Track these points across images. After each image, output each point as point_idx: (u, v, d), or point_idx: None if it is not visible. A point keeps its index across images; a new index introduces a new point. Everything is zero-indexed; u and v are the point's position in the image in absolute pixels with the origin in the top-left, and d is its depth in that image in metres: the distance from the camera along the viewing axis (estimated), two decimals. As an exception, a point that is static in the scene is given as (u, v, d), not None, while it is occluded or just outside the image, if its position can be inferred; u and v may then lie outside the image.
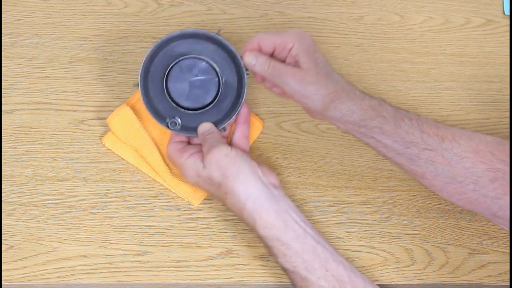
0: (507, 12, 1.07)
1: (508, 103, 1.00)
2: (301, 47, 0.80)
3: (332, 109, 0.81)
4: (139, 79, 0.83)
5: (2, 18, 0.93)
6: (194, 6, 0.99)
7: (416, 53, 1.02)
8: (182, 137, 0.86)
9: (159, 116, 0.84)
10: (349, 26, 1.02)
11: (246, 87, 0.85)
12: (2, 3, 0.94)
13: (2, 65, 0.91)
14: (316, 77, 0.80)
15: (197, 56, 0.84)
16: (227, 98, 0.86)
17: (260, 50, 0.83)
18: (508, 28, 1.06)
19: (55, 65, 0.92)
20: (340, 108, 0.81)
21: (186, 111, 0.85)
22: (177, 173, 0.87)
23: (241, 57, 0.83)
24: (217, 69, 0.85)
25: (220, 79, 0.85)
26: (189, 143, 0.87)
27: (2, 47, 0.92)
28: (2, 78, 0.90)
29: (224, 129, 0.86)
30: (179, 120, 0.85)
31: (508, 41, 1.05)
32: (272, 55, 0.83)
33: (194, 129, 0.85)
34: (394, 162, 0.84)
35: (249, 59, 0.82)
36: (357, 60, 1.00)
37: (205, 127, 0.85)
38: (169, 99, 0.84)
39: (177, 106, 0.85)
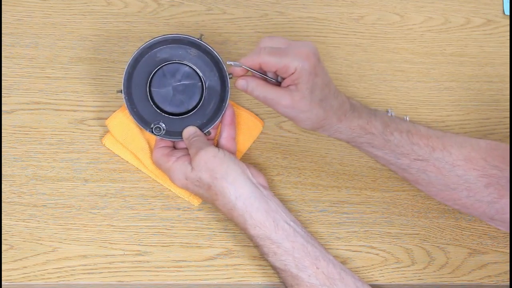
0: (507, 12, 1.07)
1: (508, 103, 1.00)
2: (303, 72, 0.77)
3: (321, 131, 0.83)
4: (122, 86, 0.83)
5: (2, 18, 0.93)
6: (194, 6, 0.99)
7: (416, 53, 1.02)
8: (167, 142, 0.86)
9: (144, 122, 0.85)
10: (349, 26, 1.02)
11: (229, 91, 0.85)
12: (2, 3, 0.94)
13: (2, 65, 0.91)
14: (309, 106, 0.79)
15: (180, 61, 0.84)
16: (211, 102, 0.86)
17: (260, 68, 0.81)
18: (508, 28, 1.06)
19: (55, 65, 0.92)
20: (329, 130, 0.82)
21: (170, 116, 0.85)
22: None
23: (227, 63, 0.83)
24: (200, 74, 0.85)
25: (204, 83, 0.85)
26: (174, 147, 0.87)
27: (2, 47, 0.92)
28: (2, 78, 0.90)
29: (209, 132, 0.86)
30: (163, 125, 0.85)
31: (508, 41, 1.05)
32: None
33: (179, 134, 0.85)
34: (388, 168, 0.86)
35: (241, 84, 0.81)
36: (357, 60, 1.00)
37: (190, 131, 0.85)
38: (153, 105, 0.84)
39: (161, 112, 0.85)
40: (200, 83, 0.85)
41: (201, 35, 0.85)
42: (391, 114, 0.95)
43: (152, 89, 0.85)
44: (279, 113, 0.81)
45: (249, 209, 0.80)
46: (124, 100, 0.84)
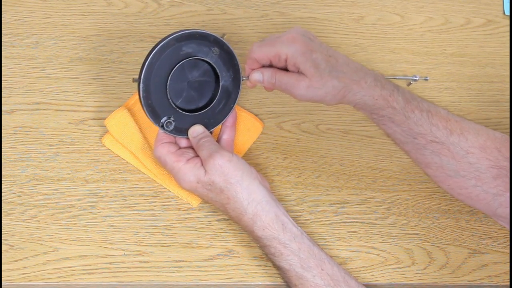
0: (507, 12, 1.07)
1: (508, 103, 1.00)
2: (296, 55, 0.80)
3: (345, 101, 0.83)
4: (142, 75, 0.80)
5: (2, 19, 0.93)
6: (195, 7, 0.99)
7: (416, 53, 1.02)
8: (170, 138, 0.85)
9: (155, 115, 0.83)
10: (350, 26, 1.02)
11: (239, 93, 0.85)
12: (2, 3, 0.94)
13: (2, 65, 0.91)
14: (321, 81, 0.80)
15: (202, 57, 0.83)
16: (222, 102, 0.85)
17: (257, 63, 0.83)
18: (508, 28, 1.06)
19: (55, 65, 0.92)
20: (353, 99, 0.83)
21: (182, 111, 0.84)
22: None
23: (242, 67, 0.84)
24: (219, 73, 0.84)
25: (220, 82, 0.85)
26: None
27: (2, 47, 0.92)
28: (2, 78, 0.90)
29: (211, 133, 0.86)
30: (174, 121, 0.84)
31: (508, 41, 1.05)
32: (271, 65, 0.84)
33: (185, 131, 0.85)
34: (402, 148, 0.86)
35: (256, 76, 0.83)
36: (358, 60, 0.99)
37: (198, 130, 0.84)
38: (169, 98, 0.83)
39: (175, 106, 0.83)
40: (215, 82, 0.85)
41: (224, 34, 0.85)
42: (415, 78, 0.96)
43: (169, 82, 0.82)
44: (300, 99, 0.82)
45: (260, 213, 0.80)
46: (139, 89, 0.81)
